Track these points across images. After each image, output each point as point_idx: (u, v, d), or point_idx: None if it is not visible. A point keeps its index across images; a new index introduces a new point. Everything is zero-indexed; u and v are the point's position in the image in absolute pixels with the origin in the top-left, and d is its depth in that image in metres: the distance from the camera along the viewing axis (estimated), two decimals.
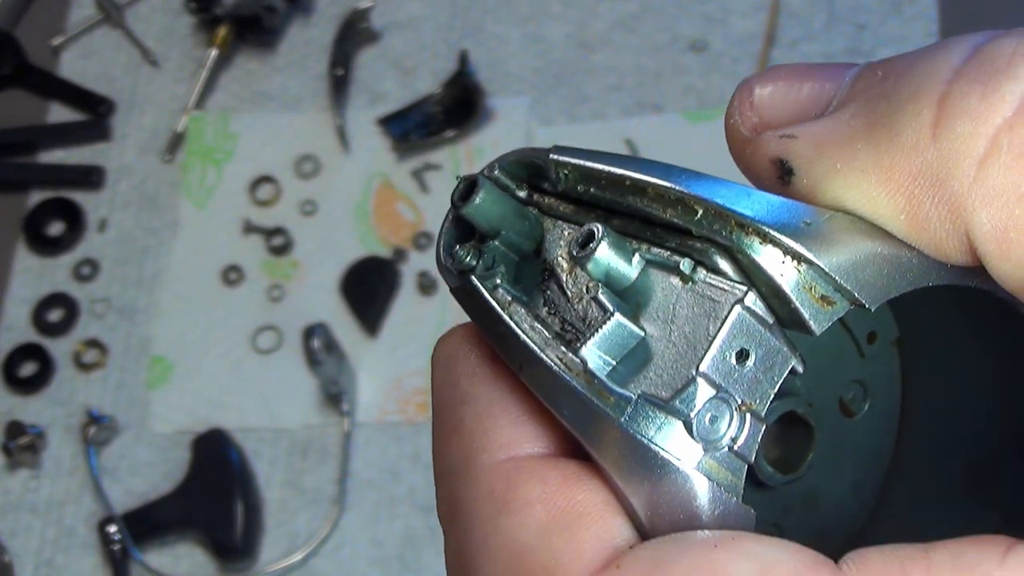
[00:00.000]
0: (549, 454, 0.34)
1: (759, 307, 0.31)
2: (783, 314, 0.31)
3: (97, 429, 1.29)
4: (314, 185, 1.43)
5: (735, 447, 0.31)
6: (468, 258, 0.36)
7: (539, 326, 0.33)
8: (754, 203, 0.31)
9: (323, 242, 1.40)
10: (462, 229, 0.37)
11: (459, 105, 1.41)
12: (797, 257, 0.30)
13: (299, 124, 1.46)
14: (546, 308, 0.35)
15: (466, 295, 0.35)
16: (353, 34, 1.48)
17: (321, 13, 1.52)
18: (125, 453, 1.31)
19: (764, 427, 0.31)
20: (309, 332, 1.25)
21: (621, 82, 1.43)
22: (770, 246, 0.31)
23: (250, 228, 1.41)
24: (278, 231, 1.40)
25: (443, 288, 1.35)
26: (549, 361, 0.32)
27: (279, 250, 1.39)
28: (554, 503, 0.32)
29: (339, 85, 1.46)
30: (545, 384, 0.33)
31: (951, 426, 0.39)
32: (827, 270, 0.30)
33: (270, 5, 1.46)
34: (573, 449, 0.33)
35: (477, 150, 1.41)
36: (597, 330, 0.32)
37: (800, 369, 0.32)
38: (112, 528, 1.24)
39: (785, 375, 0.31)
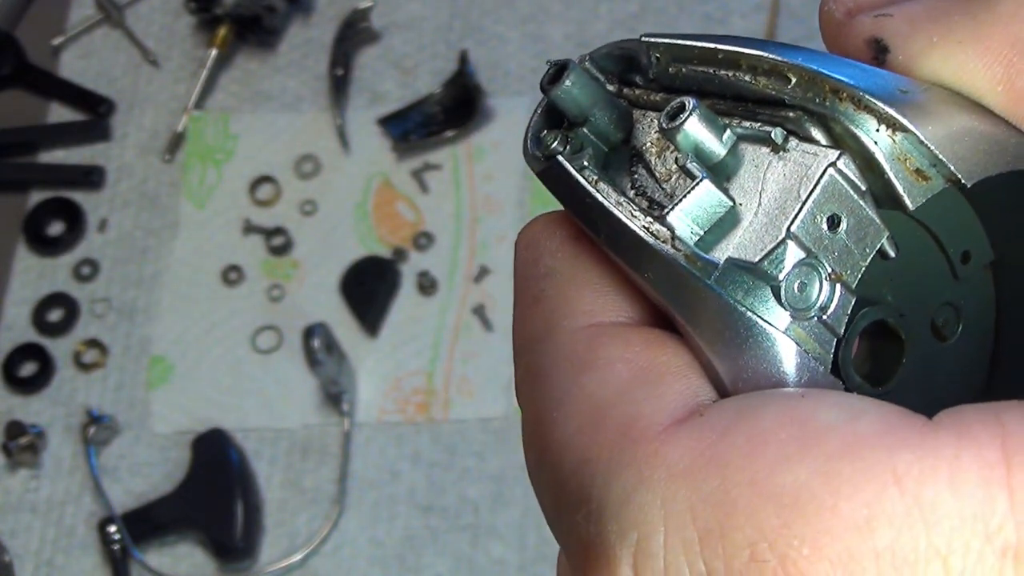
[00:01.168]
0: (632, 322, 0.33)
1: (852, 171, 0.30)
2: (876, 188, 0.30)
3: (97, 429, 1.29)
4: (314, 185, 1.43)
5: (824, 317, 0.30)
6: (555, 143, 0.35)
7: (626, 200, 0.33)
8: (849, 70, 0.31)
9: (323, 242, 1.40)
10: (551, 119, 0.37)
11: (459, 105, 1.41)
12: (892, 125, 0.30)
13: (299, 124, 1.46)
14: (633, 190, 0.34)
15: (552, 176, 0.35)
16: (353, 34, 1.48)
17: (321, 13, 1.52)
18: (125, 453, 1.31)
19: (854, 300, 0.30)
20: (309, 332, 1.24)
21: None
22: (865, 113, 0.30)
23: (250, 228, 1.41)
24: (278, 231, 1.40)
25: (443, 288, 1.35)
26: (635, 228, 0.32)
27: (279, 250, 1.39)
28: (637, 361, 0.31)
29: (339, 85, 1.46)
30: (631, 252, 0.32)
31: None
32: (923, 139, 0.30)
33: (270, 5, 1.46)
34: (657, 320, 0.33)
35: (477, 150, 1.41)
36: (686, 196, 0.31)
37: (892, 253, 0.31)
38: (112, 528, 1.24)
39: (877, 249, 0.31)
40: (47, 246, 1.42)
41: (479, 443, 1.27)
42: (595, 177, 0.33)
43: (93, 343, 1.36)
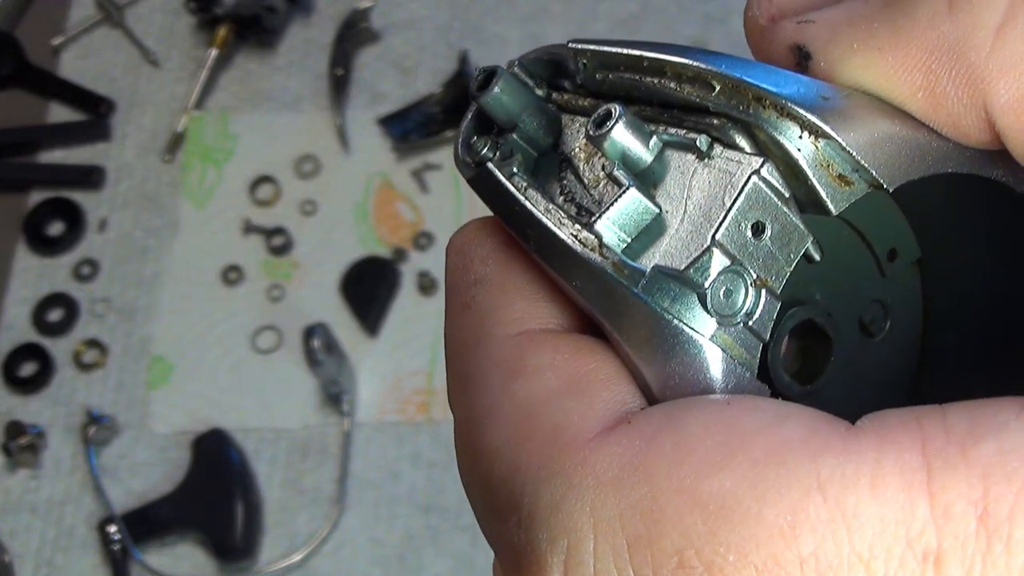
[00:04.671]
0: (562, 329, 0.34)
1: (776, 179, 0.30)
2: (800, 194, 0.31)
3: (97, 429, 1.29)
4: (314, 185, 1.43)
5: (750, 323, 0.30)
6: (485, 149, 0.35)
7: (554, 208, 0.33)
8: (772, 78, 0.31)
9: (323, 242, 1.40)
10: (481, 125, 0.37)
11: (459, 105, 1.41)
12: (815, 131, 0.30)
13: (299, 124, 1.46)
14: (562, 197, 0.35)
15: (482, 182, 0.35)
16: (353, 34, 1.48)
17: (321, 13, 1.52)
18: (125, 453, 1.31)
19: (779, 305, 0.31)
20: (309, 332, 1.25)
21: None
22: (788, 120, 0.30)
23: (250, 228, 1.41)
24: (278, 231, 1.40)
25: (443, 288, 1.35)
26: (563, 236, 0.32)
27: (279, 250, 1.39)
28: (566, 369, 0.31)
29: (339, 85, 1.46)
30: (559, 259, 0.32)
31: (974, 347, 0.38)
32: (845, 146, 0.30)
33: (270, 5, 1.46)
34: (586, 327, 0.33)
35: None
36: (612, 204, 0.31)
37: (817, 256, 0.31)
38: (112, 528, 1.24)
39: (802, 254, 0.31)
40: (47, 246, 1.42)
41: None
42: (524, 184, 0.34)
43: (93, 343, 1.36)
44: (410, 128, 1.42)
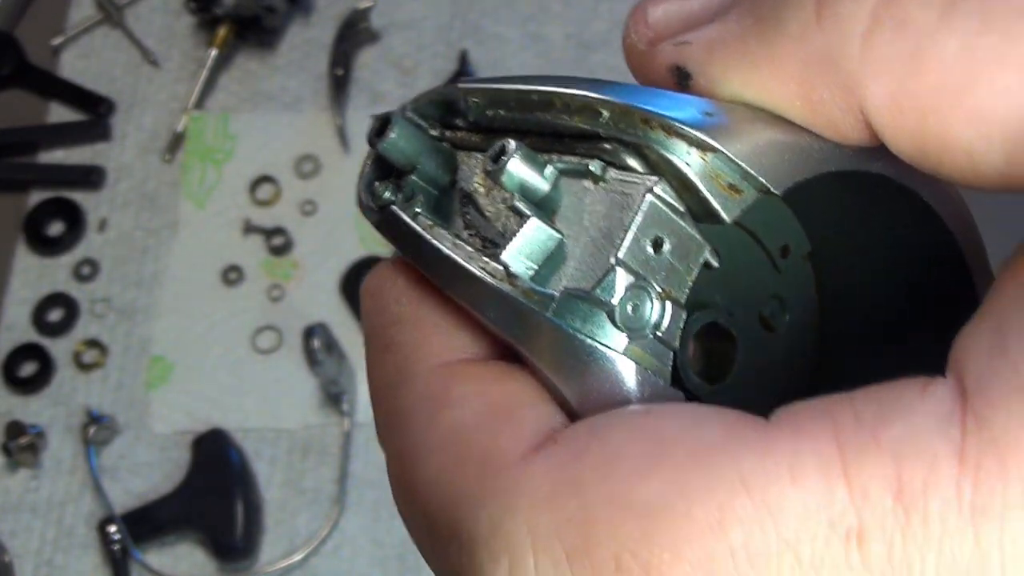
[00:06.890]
0: (481, 358, 0.35)
1: (670, 195, 0.32)
2: (694, 206, 0.32)
3: (97, 429, 1.29)
4: (314, 185, 1.43)
5: (659, 333, 0.32)
6: (387, 193, 0.37)
7: (461, 243, 0.34)
8: (657, 99, 0.32)
9: (323, 242, 1.40)
10: (381, 170, 0.38)
11: None
12: (702, 146, 0.31)
13: (299, 124, 1.46)
14: (467, 231, 0.36)
15: (388, 225, 0.36)
16: (353, 34, 1.48)
17: (321, 13, 1.52)
18: (125, 453, 1.31)
19: (685, 315, 0.32)
20: (309, 332, 1.25)
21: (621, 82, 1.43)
22: (675, 138, 0.31)
23: (250, 228, 1.41)
24: (278, 231, 1.40)
25: None
26: (473, 269, 0.33)
27: (279, 250, 1.39)
28: (490, 395, 0.33)
29: (339, 85, 1.46)
30: (471, 293, 0.34)
31: (865, 323, 0.40)
32: (731, 156, 0.31)
33: (270, 5, 1.46)
34: (503, 355, 0.35)
35: None
36: (516, 234, 0.33)
37: (715, 263, 0.33)
38: (112, 528, 1.24)
39: (701, 263, 0.32)
40: (47, 246, 1.42)
41: None
42: (429, 223, 0.35)
43: (93, 343, 1.36)
44: None
